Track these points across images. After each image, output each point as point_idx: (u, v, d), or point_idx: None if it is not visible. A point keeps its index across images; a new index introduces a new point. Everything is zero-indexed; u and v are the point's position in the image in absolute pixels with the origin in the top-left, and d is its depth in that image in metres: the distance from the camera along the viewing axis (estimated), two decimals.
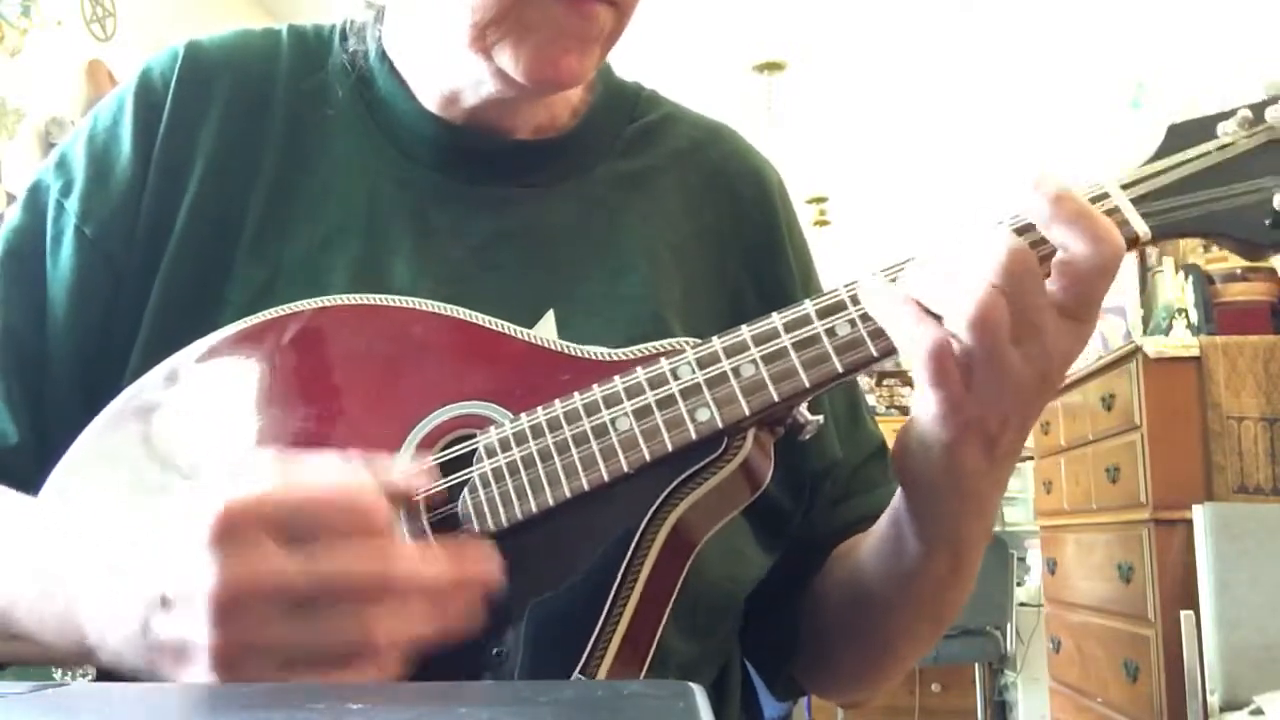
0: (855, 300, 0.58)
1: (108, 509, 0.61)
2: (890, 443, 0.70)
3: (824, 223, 5.89)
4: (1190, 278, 2.83)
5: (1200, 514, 2.35)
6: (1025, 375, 0.55)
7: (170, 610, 0.48)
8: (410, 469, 0.57)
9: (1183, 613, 2.33)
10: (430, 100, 0.75)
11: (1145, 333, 3.09)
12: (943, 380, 0.55)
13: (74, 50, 3.14)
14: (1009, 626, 4.11)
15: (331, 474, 0.51)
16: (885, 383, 7.14)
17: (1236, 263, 2.79)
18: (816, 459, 0.79)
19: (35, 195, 0.74)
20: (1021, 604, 4.38)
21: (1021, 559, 4.61)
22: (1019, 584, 4.43)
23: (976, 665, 4.25)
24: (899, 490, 0.66)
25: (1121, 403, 2.72)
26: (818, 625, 0.78)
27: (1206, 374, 2.57)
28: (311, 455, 0.54)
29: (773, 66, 4.31)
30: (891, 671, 0.78)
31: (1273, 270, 2.80)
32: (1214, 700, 2.21)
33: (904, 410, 6.84)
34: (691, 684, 0.37)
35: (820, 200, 5.78)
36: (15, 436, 0.69)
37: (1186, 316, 2.84)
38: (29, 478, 0.66)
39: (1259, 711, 2.09)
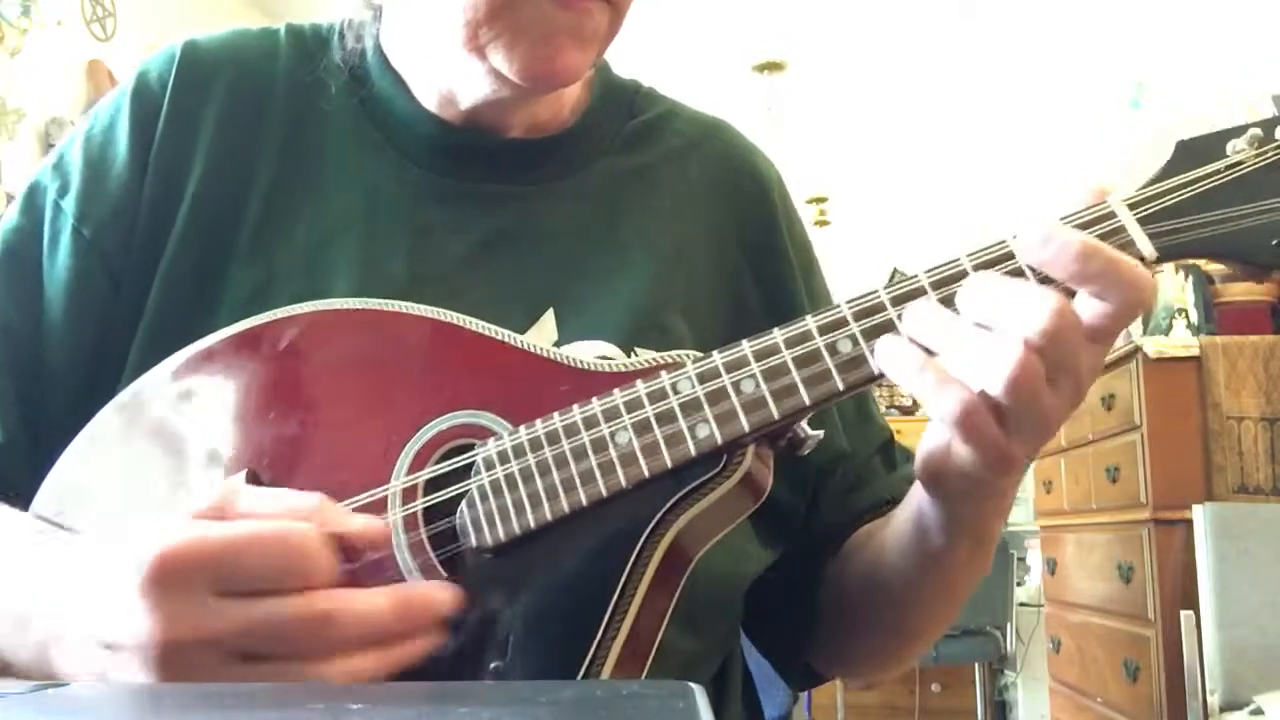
0: (858, 316, 0.57)
1: (76, 540, 0.61)
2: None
3: (824, 223, 5.88)
4: (1190, 278, 2.83)
5: (1200, 514, 2.35)
6: (1060, 407, 0.55)
7: (117, 655, 0.49)
8: (359, 521, 0.54)
9: (1183, 613, 2.33)
10: (428, 99, 0.75)
11: (1145, 332, 3.09)
12: (978, 437, 0.54)
13: (74, 50, 3.14)
14: (1009, 626, 4.12)
15: (268, 516, 0.50)
16: (885, 381, 7.12)
17: None
18: (820, 455, 0.79)
19: (32, 196, 0.74)
20: (1021, 604, 4.38)
21: (1021, 559, 4.61)
22: (1019, 584, 4.43)
23: (976, 665, 4.25)
24: (922, 492, 0.65)
25: (1121, 403, 2.72)
26: (839, 614, 0.78)
27: (1206, 374, 2.57)
28: (256, 492, 0.53)
29: (773, 66, 4.31)
30: (915, 651, 0.80)
31: None
32: (1214, 700, 2.21)
33: (904, 410, 6.83)
34: (691, 684, 0.37)
35: (820, 200, 5.77)
36: (2, 436, 0.69)
37: (1186, 316, 2.84)
38: (17, 477, 0.66)
39: (1259, 711, 2.09)
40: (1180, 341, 2.66)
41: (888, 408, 6.89)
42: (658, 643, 0.59)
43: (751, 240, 0.81)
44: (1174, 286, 2.97)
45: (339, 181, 0.74)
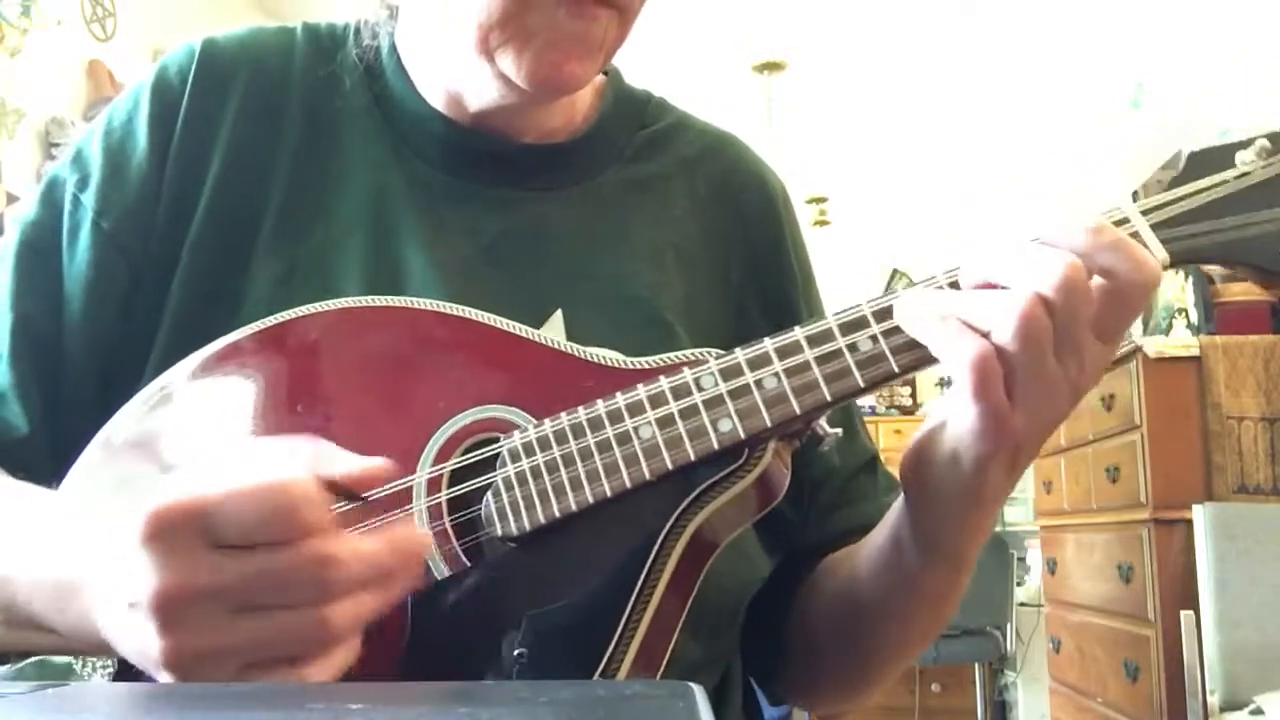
0: (878, 316, 0.58)
1: (111, 509, 0.61)
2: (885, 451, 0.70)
3: (824, 223, 5.88)
4: (1190, 278, 2.82)
5: (1200, 514, 2.35)
6: (1061, 390, 0.56)
7: (135, 614, 0.49)
8: (357, 461, 0.54)
9: (1183, 613, 2.33)
10: (438, 101, 0.76)
11: (1145, 332, 3.09)
12: (986, 393, 0.55)
13: (74, 50, 3.14)
14: (1009, 626, 4.12)
15: (268, 470, 0.49)
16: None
17: None
18: (816, 467, 0.79)
19: (51, 190, 0.75)
20: (1021, 604, 4.38)
21: (1021, 559, 4.61)
22: (1019, 584, 4.43)
23: (976, 665, 4.25)
24: (901, 504, 0.65)
25: (1121, 402, 2.72)
26: (806, 637, 0.78)
27: (1206, 374, 2.57)
28: (255, 443, 0.54)
29: (773, 66, 4.31)
30: (879, 682, 0.78)
31: None
32: (1214, 700, 2.21)
33: (904, 410, 6.84)
34: (691, 684, 0.37)
35: (820, 200, 5.78)
36: (26, 428, 0.69)
37: (1186, 316, 2.84)
38: (40, 468, 0.66)
39: (1259, 711, 2.09)
40: (1180, 341, 2.66)
41: (888, 408, 6.90)
42: (673, 643, 0.59)
43: (756, 252, 0.81)
44: (1174, 286, 2.97)
45: (353, 178, 0.74)
